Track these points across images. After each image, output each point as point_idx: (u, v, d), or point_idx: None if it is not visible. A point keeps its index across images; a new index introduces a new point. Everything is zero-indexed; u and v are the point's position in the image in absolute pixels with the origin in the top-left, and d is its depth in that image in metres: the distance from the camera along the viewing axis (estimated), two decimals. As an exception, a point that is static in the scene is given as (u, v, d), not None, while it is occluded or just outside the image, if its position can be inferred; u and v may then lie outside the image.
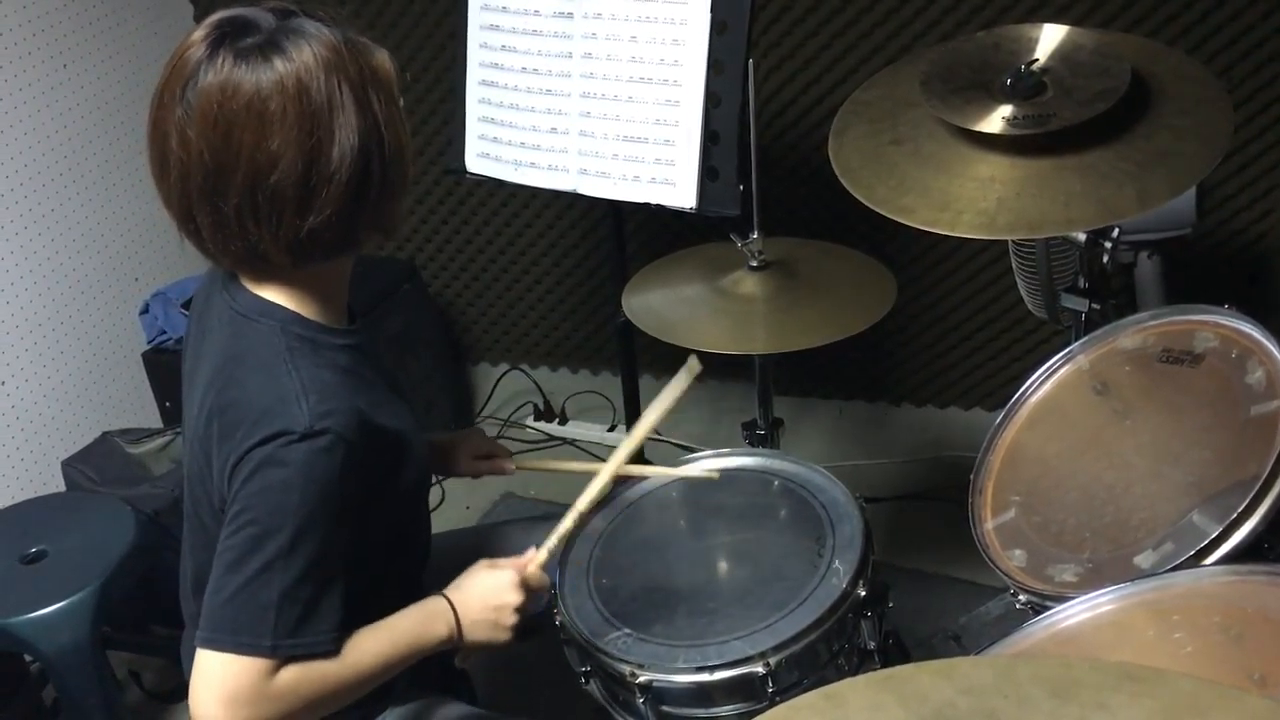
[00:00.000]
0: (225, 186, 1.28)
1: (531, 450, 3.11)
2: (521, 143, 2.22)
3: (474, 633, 1.46)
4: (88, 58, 2.83)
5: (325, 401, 1.30)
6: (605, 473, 1.60)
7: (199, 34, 1.30)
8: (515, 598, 1.47)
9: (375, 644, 1.38)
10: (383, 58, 1.35)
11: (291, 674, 1.30)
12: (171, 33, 3.04)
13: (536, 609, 1.54)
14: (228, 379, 1.34)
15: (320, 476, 1.28)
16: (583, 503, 1.57)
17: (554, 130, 2.17)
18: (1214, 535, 1.36)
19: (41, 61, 2.71)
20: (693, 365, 1.62)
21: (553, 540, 1.54)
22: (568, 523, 1.56)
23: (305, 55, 1.27)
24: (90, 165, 2.86)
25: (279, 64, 1.26)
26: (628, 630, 1.54)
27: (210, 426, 1.34)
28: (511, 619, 1.47)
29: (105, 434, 2.64)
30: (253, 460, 1.28)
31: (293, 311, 1.38)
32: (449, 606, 1.45)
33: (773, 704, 1.46)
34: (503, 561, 1.50)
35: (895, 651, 1.68)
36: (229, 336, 1.38)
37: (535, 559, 1.52)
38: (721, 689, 1.47)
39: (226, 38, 1.28)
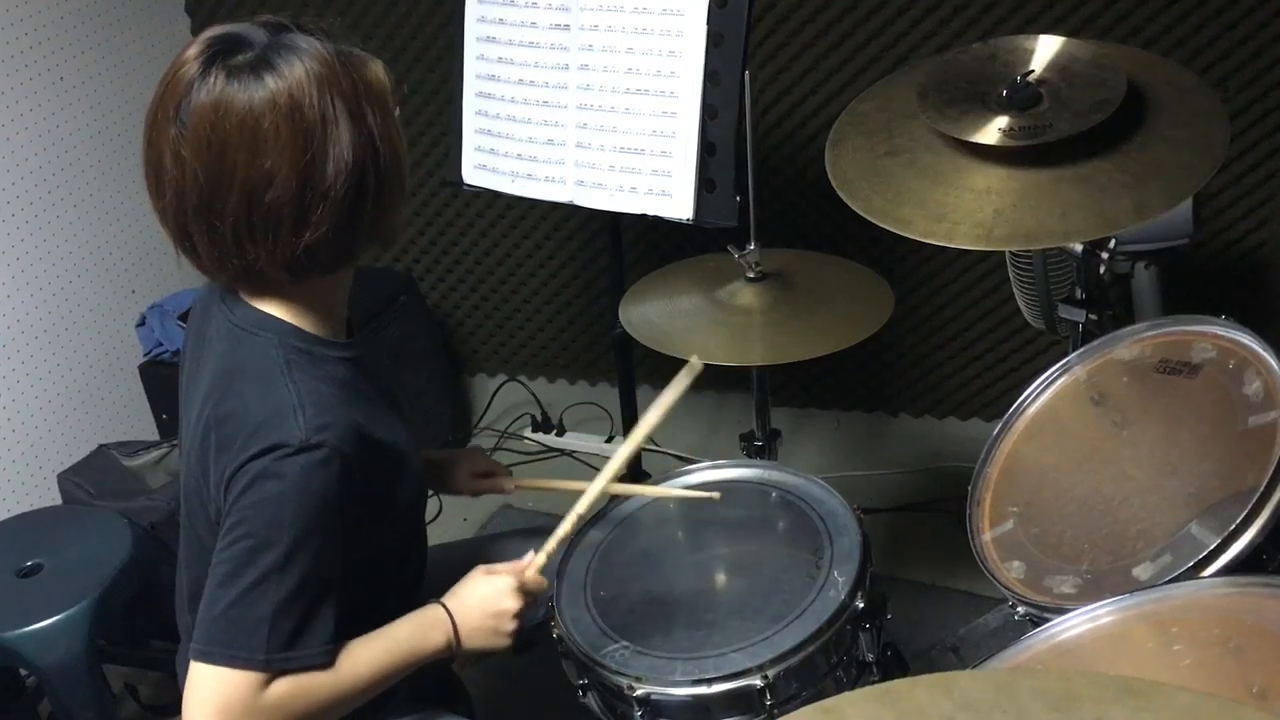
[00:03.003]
0: (220, 206, 1.28)
1: (529, 461, 3.11)
2: (518, 154, 2.22)
3: (472, 640, 1.45)
4: (83, 71, 2.83)
5: (322, 414, 1.30)
6: (603, 477, 1.58)
7: (192, 51, 1.29)
8: (514, 603, 1.46)
9: (370, 654, 1.38)
10: (377, 69, 1.35)
11: (283, 686, 1.30)
12: (167, 47, 3.04)
13: (535, 617, 1.54)
14: (225, 391, 1.34)
15: (316, 489, 1.28)
16: (581, 506, 1.55)
17: (551, 142, 2.17)
18: (1213, 547, 1.36)
19: (37, 75, 2.71)
20: (694, 364, 1.59)
21: (550, 544, 1.54)
22: (565, 527, 1.55)
23: (297, 71, 1.27)
24: (86, 179, 2.86)
25: (271, 81, 1.26)
26: (625, 643, 1.53)
27: (207, 438, 1.33)
28: (511, 625, 1.47)
29: (102, 447, 2.64)
30: (249, 473, 1.27)
31: (290, 324, 1.38)
32: (446, 615, 1.45)
33: (771, 717, 1.46)
34: (500, 567, 1.50)
35: (894, 663, 1.67)
36: (227, 349, 1.38)
37: (533, 563, 1.52)
38: (719, 702, 1.46)
39: (219, 55, 1.28)
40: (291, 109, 1.26)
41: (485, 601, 1.46)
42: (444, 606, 1.45)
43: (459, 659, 1.48)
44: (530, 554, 1.53)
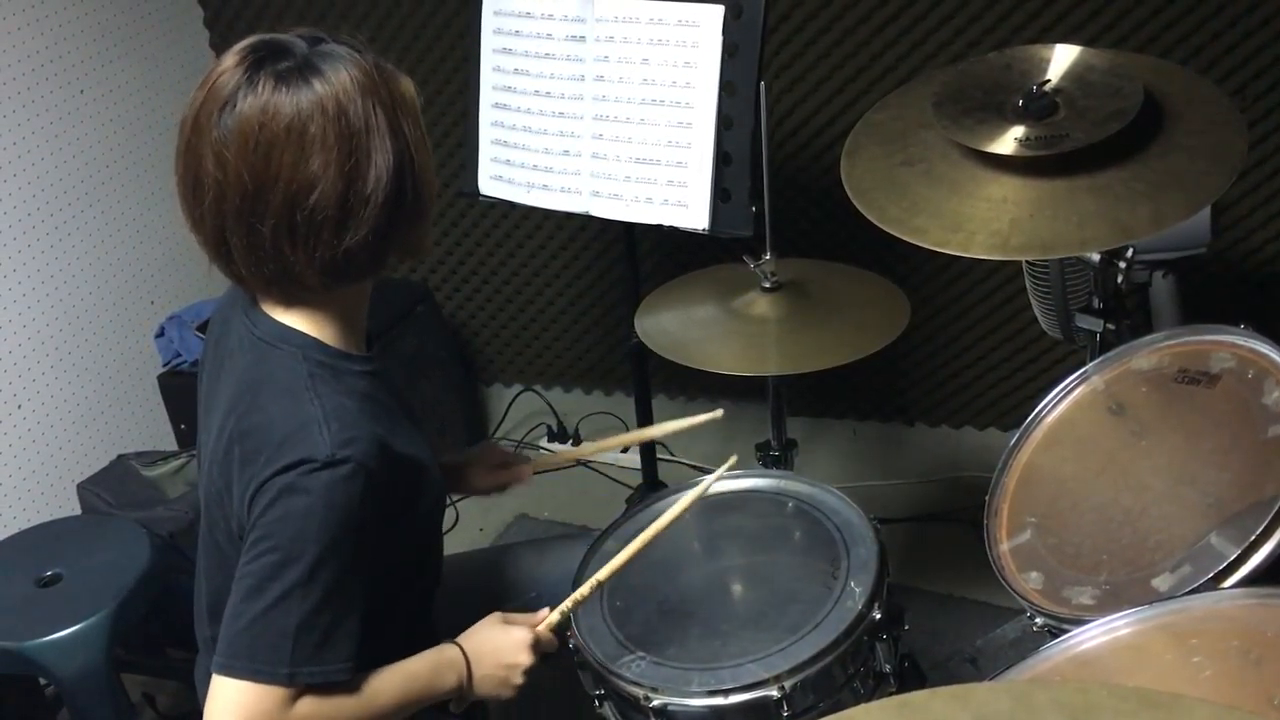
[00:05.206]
0: (263, 208, 1.28)
1: (545, 471, 3.09)
2: (534, 165, 2.23)
3: (481, 686, 1.47)
4: (103, 83, 2.85)
5: (347, 429, 1.30)
6: (628, 550, 1.56)
7: (232, 59, 1.30)
8: (527, 659, 1.47)
9: (390, 684, 1.39)
10: (407, 83, 1.37)
11: (308, 706, 1.30)
12: (187, 58, 3.06)
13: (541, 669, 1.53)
14: (249, 405, 1.34)
15: (341, 504, 1.28)
16: (603, 574, 1.55)
17: (566, 152, 2.18)
18: (1232, 557, 1.35)
19: (58, 87, 2.73)
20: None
21: (567, 605, 1.54)
22: (584, 590, 1.54)
23: (342, 78, 1.29)
24: (106, 190, 2.88)
25: (318, 86, 1.28)
26: (641, 653, 1.53)
27: (231, 452, 1.34)
28: (519, 679, 1.48)
29: (120, 456, 2.65)
30: (274, 487, 1.28)
31: (313, 338, 1.38)
32: (462, 657, 1.45)
33: (787, 728, 1.45)
34: (516, 617, 1.50)
35: (911, 674, 1.66)
36: (250, 362, 1.38)
37: (548, 621, 1.52)
38: (736, 712, 1.46)
39: (264, 60, 1.29)
40: (338, 113, 1.27)
41: (501, 651, 1.47)
42: (460, 648, 1.46)
43: (457, 700, 1.48)
44: (545, 610, 1.53)
